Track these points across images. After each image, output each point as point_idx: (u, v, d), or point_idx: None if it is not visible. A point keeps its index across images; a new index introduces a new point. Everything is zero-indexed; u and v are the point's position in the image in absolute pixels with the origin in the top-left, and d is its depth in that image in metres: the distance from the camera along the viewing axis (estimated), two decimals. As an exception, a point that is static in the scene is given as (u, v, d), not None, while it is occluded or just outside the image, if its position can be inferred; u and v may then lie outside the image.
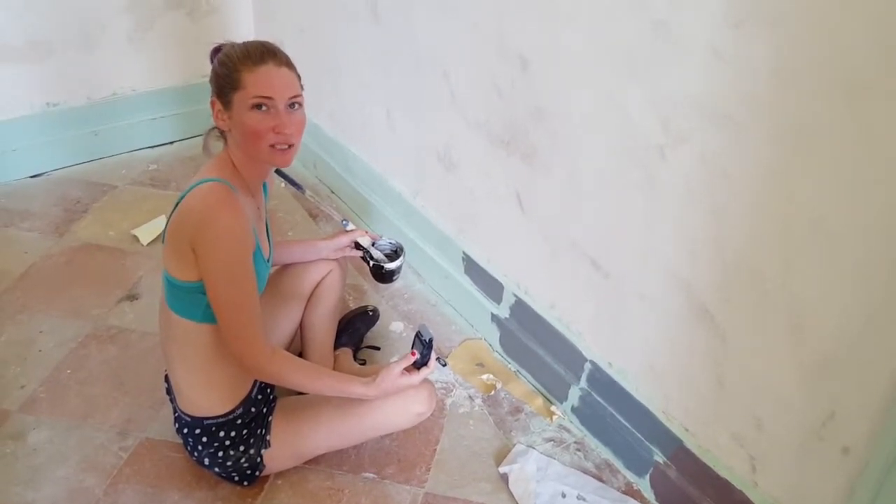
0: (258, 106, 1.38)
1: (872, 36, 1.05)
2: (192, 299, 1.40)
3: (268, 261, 1.55)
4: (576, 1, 1.50)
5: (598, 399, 1.80)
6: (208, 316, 1.40)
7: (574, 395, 1.87)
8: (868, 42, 1.05)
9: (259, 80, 1.37)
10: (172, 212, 1.42)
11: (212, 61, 1.44)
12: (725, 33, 1.23)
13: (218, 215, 1.34)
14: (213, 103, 1.43)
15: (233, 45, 1.42)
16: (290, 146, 1.43)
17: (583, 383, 1.84)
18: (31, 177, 2.67)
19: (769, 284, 1.31)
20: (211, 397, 1.50)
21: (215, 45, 1.46)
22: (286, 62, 1.42)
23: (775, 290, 1.31)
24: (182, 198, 1.40)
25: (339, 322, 1.98)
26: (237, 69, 1.37)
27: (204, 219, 1.34)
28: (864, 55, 1.06)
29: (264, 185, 1.60)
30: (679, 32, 1.31)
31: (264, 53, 1.39)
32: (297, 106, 1.42)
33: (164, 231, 1.45)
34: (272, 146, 1.41)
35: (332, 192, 2.74)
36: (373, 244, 1.83)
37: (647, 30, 1.36)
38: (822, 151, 1.16)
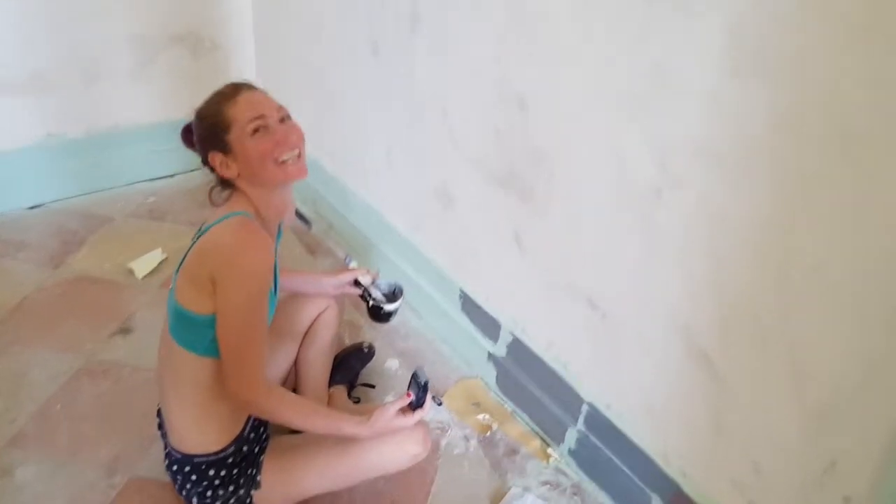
0: (256, 130, 1.39)
1: (869, 86, 1.05)
2: (199, 332, 1.39)
3: (275, 294, 1.54)
4: (575, 44, 1.52)
5: (596, 441, 1.78)
6: (211, 350, 1.38)
7: (571, 437, 1.84)
8: (865, 92, 1.06)
9: (244, 107, 1.40)
10: (193, 242, 1.42)
11: (185, 138, 1.48)
12: (724, 80, 1.24)
13: (248, 253, 1.34)
14: (210, 161, 1.44)
15: (204, 102, 1.45)
16: (298, 154, 1.45)
17: (580, 425, 1.81)
18: (29, 208, 2.67)
19: (768, 329, 1.31)
20: (203, 434, 1.47)
21: (185, 126, 1.49)
22: (259, 88, 1.46)
23: (775, 335, 1.30)
24: (207, 229, 1.40)
25: (335, 358, 1.96)
26: (219, 112, 1.40)
27: (234, 254, 1.34)
28: (862, 105, 1.07)
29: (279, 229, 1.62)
30: (678, 78, 1.32)
31: (236, 87, 1.43)
32: (288, 119, 1.46)
33: (183, 256, 1.43)
34: (283, 162, 1.42)
35: (331, 228, 2.74)
36: (372, 282, 1.82)
37: (646, 74, 1.37)
38: (820, 197, 1.16)
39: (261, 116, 1.40)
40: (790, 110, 1.16)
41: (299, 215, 1.83)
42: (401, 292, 1.82)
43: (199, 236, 1.42)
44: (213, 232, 1.38)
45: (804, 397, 1.29)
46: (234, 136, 1.39)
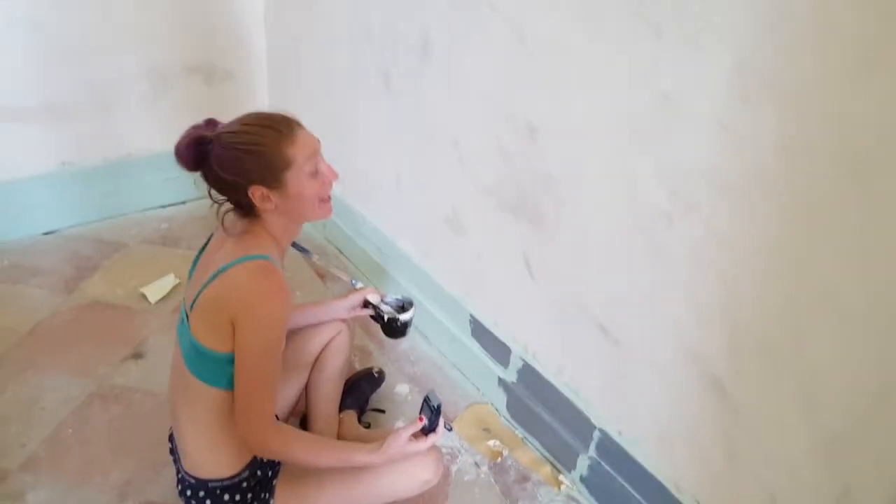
0: (312, 172, 1.40)
1: (879, 111, 1.07)
2: (219, 368, 1.39)
3: None
4: (583, 72, 1.54)
5: (608, 468, 1.77)
6: (233, 384, 1.39)
7: (583, 463, 1.83)
8: (874, 117, 1.07)
9: (302, 147, 1.39)
10: (210, 280, 1.38)
11: (190, 157, 1.36)
12: (733, 107, 1.25)
13: (269, 299, 1.34)
14: (250, 193, 1.37)
15: (241, 131, 1.37)
16: (329, 195, 1.48)
17: (592, 452, 1.81)
18: (44, 234, 2.69)
19: (780, 355, 1.31)
20: (218, 459, 1.48)
21: (196, 136, 1.36)
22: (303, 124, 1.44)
23: (786, 360, 1.30)
24: (225, 269, 1.36)
25: (345, 383, 1.96)
26: (279, 149, 1.36)
27: (254, 301, 1.33)
28: (871, 130, 1.08)
29: None
30: (686, 105, 1.34)
31: (289, 122, 1.40)
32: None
33: (196, 295, 1.40)
34: (325, 200, 1.46)
35: (341, 253, 2.76)
36: (381, 300, 1.83)
37: (655, 101, 1.39)
38: (830, 224, 1.17)
39: (315, 157, 1.41)
40: (799, 137, 1.17)
41: (297, 246, 1.83)
42: (411, 304, 1.82)
43: (216, 275, 1.38)
44: (233, 275, 1.36)
45: (816, 424, 1.28)
46: (291, 175, 1.38)
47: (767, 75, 1.19)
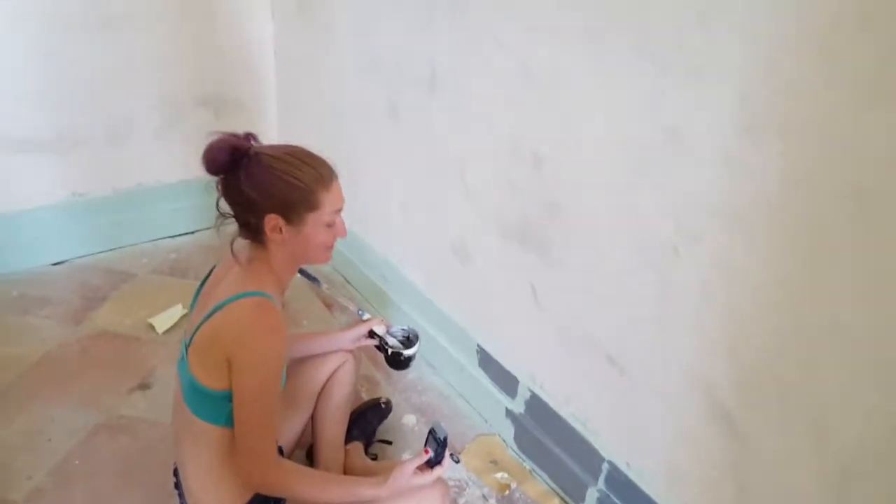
0: (330, 224, 1.42)
1: (884, 144, 1.07)
2: (217, 406, 1.38)
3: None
4: (588, 104, 1.55)
5: (617, 502, 1.75)
6: (232, 421, 1.39)
7: (592, 496, 1.81)
8: (880, 150, 1.07)
9: (333, 198, 1.41)
10: (208, 316, 1.37)
11: (223, 158, 1.33)
12: (737, 140, 1.26)
13: (265, 338, 1.33)
14: (267, 220, 1.37)
15: (282, 157, 1.37)
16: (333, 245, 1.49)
17: (600, 484, 1.79)
18: (53, 264, 2.71)
19: (789, 388, 1.29)
20: (221, 496, 1.46)
21: (237, 144, 1.35)
22: None
23: (796, 393, 1.29)
24: (222, 306, 1.36)
25: (351, 414, 1.95)
26: (314, 191, 1.37)
27: (251, 339, 1.33)
28: (876, 163, 1.08)
29: None
30: (691, 136, 1.34)
31: (330, 170, 1.41)
32: None
33: (194, 331, 1.39)
34: (328, 249, 1.47)
35: (347, 282, 2.76)
36: (387, 331, 1.83)
37: (660, 133, 1.40)
38: (837, 255, 1.17)
39: (339, 212, 1.43)
40: (803, 170, 1.18)
41: (308, 275, 1.83)
42: (416, 337, 1.82)
43: (213, 312, 1.38)
44: (230, 312, 1.35)
45: (827, 457, 1.27)
46: (313, 218, 1.39)
47: (771, 109, 1.19)
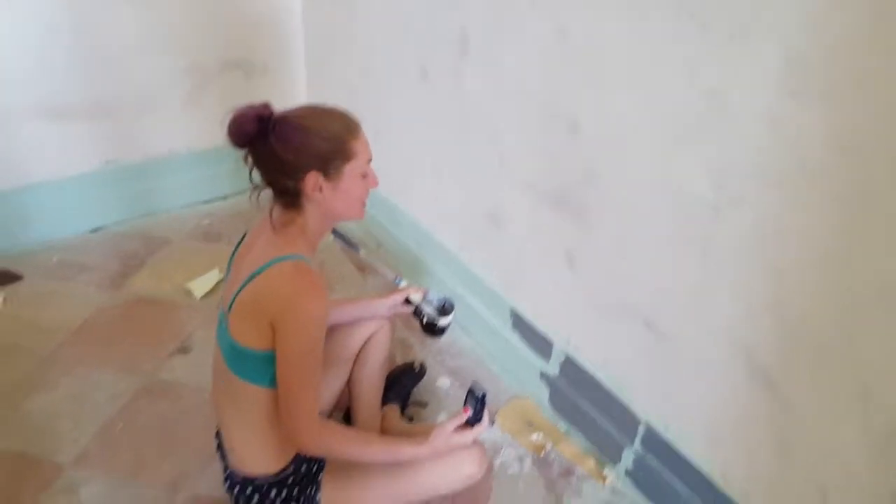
0: (365, 174, 1.42)
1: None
2: (261, 367, 1.40)
3: None
4: (627, 67, 1.52)
5: (654, 462, 1.75)
6: (274, 382, 1.41)
7: (628, 457, 1.82)
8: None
9: (364, 147, 1.41)
10: (247, 282, 1.38)
11: (250, 127, 1.33)
12: (782, 102, 1.22)
13: (307, 302, 1.34)
14: (306, 179, 1.36)
15: (309, 115, 1.38)
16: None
17: (637, 446, 1.79)
18: (91, 231, 2.75)
19: (833, 350, 1.27)
20: (264, 456, 1.49)
21: (260, 112, 1.34)
22: None
23: (840, 355, 1.27)
24: (260, 271, 1.37)
25: (387, 378, 1.96)
26: (346, 140, 1.38)
27: (293, 303, 1.34)
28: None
29: None
30: (733, 100, 1.30)
31: (355, 119, 1.41)
32: None
33: (232, 297, 1.40)
34: (363, 203, 1.48)
35: (381, 246, 2.76)
36: (423, 299, 1.83)
37: (701, 97, 1.36)
38: (883, 216, 1.13)
39: (370, 161, 1.43)
40: (850, 132, 1.14)
41: (346, 241, 1.83)
42: (452, 306, 1.82)
43: (253, 276, 1.38)
44: (270, 278, 1.36)
45: (872, 419, 1.25)
46: (349, 169, 1.39)
47: (818, 69, 1.15)
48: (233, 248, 1.57)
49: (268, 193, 1.44)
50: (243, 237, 1.57)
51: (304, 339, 1.36)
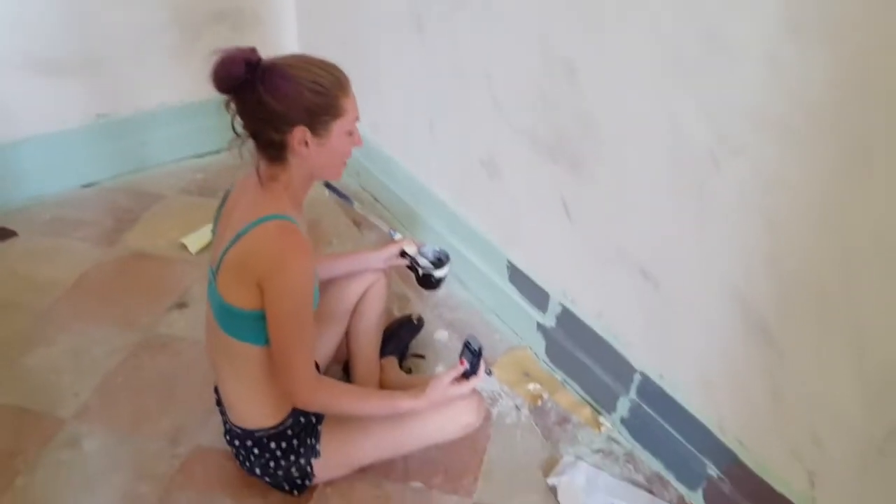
0: (351, 132, 1.40)
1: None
2: (252, 325, 1.41)
3: (317, 285, 1.52)
4: (623, 7, 1.48)
5: (649, 411, 1.77)
6: (263, 339, 1.41)
7: (623, 406, 1.84)
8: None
9: (353, 105, 1.39)
10: (232, 243, 1.37)
11: (236, 72, 1.27)
12: (781, 42, 1.20)
13: (292, 261, 1.34)
14: (293, 132, 1.33)
15: (301, 66, 1.33)
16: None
17: (632, 394, 1.81)
18: (84, 186, 2.73)
19: (829, 298, 1.28)
20: (262, 410, 1.51)
21: (248, 56, 1.28)
22: None
23: (836, 303, 1.27)
24: (245, 231, 1.35)
25: (385, 331, 1.98)
26: (336, 96, 1.35)
27: (278, 264, 1.33)
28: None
29: None
30: (733, 39, 1.28)
31: (345, 76, 1.38)
32: None
33: (220, 257, 1.40)
34: (344, 162, 1.46)
35: (376, 201, 2.75)
36: (418, 251, 1.83)
37: (700, 37, 1.34)
38: (885, 163, 1.12)
39: (357, 119, 1.41)
40: (852, 73, 1.12)
41: (340, 194, 1.82)
42: (447, 258, 1.83)
43: (238, 236, 1.36)
44: (255, 238, 1.35)
45: (865, 365, 1.26)
46: (337, 126, 1.37)
47: (818, 6, 1.13)
48: (217, 207, 1.55)
49: (251, 145, 1.40)
50: (226, 195, 1.55)
51: (293, 299, 1.35)
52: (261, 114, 1.33)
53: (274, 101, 1.30)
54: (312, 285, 1.40)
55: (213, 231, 1.54)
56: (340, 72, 1.38)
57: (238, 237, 1.37)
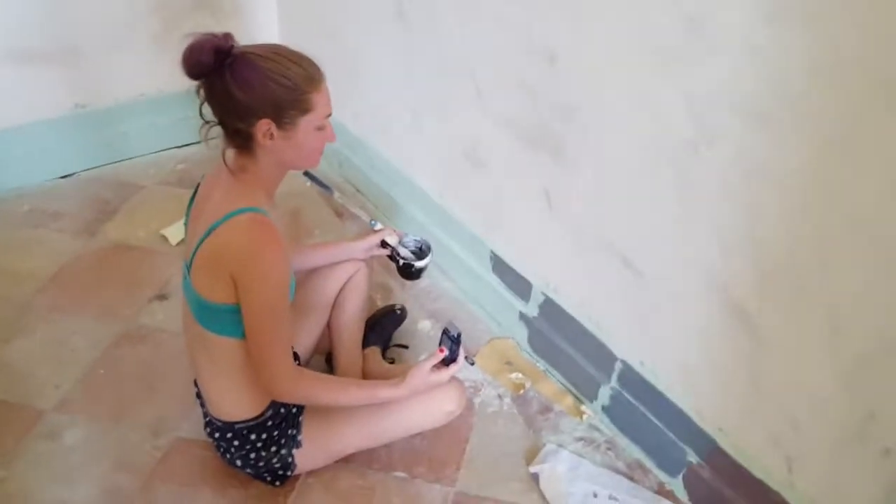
0: (321, 127, 1.37)
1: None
2: (228, 319, 1.39)
3: (293, 276, 1.50)
4: (604, -4, 1.49)
5: (630, 398, 1.79)
6: (239, 332, 1.40)
7: (604, 394, 1.85)
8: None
9: (324, 100, 1.36)
10: (204, 237, 1.35)
11: (200, 59, 1.26)
12: (760, 29, 1.20)
13: (264, 254, 1.32)
14: (257, 125, 1.31)
15: (270, 57, 1.30)
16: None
17: (613, 382, 1.82)
18: (62, 177, 2.69)
19: (807, 283, 1.29)
20: (240, 402, 1.50)
21: (219, 44, 1.26)
22: None
23: (813, 289, 1.29)
24: (217, 225, 1.34)
25: (367, 321, 1.98)
26: (305, 91, 1.32)
27: (250, 256, 1.32)
28: (908, 49, 1.04)
29: None
30: (713, 27, 1.29)
31: (319, 70, 1.35)
32: None
33: (193, 251, 1.38)
34: (318, 153, 1.44)
35: (358, 191, 2.74)
36: (399, 242, 1.83)
37: (680, 24, 1.34)
38: (861, 150, 1.14)
39: (329, 115, 1.38)
40: (830, 59, 1.13)
41: (320, 182, 1.80)
42: (429, 248, 1.83)
43: (210, 230, 1.35)
44: (226, 232, 1.33)
45: (842, 350, 1.28)
46: (304, 122, 1.34)
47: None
48: (189, 199, 1.54)
49: (218, 132, 1.38)
50: (197, 187, 1.53)
51: (267, 292, 1.35)
52: (227, 103, 1.31)
53: (239, 92, 1.28)
54: (287, 277, 1.39)
55: (186, 224, 1.53)
56: (314, 66, 1.35)
57: (211, 230, 1.35)
